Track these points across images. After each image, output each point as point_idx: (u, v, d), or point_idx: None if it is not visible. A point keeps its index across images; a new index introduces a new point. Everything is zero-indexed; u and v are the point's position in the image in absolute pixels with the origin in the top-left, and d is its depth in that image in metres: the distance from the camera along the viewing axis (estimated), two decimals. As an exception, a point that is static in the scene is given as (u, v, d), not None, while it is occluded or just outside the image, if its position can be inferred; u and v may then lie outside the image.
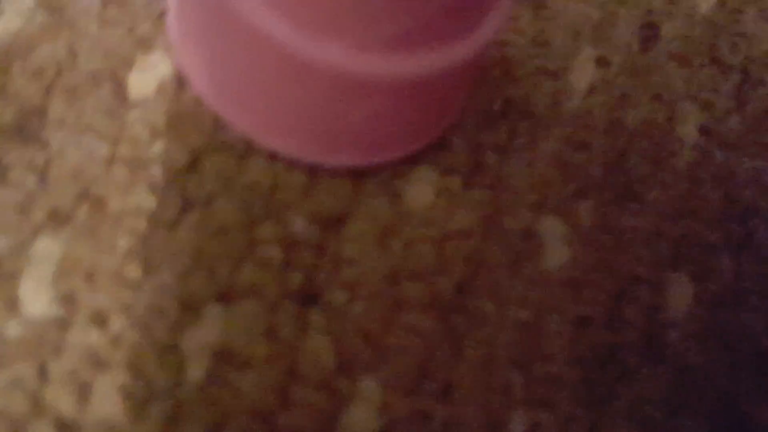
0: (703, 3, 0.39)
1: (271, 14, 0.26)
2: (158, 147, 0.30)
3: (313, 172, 0.31)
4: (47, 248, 0.28)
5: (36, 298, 0.27)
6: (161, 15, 0.33)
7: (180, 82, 0.31)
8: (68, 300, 0.27)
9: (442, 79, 0.28)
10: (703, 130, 0.36)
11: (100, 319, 0.27)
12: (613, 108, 0.35)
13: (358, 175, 0.31)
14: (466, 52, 0.28)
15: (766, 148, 0.36)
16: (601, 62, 0.36)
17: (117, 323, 0.27)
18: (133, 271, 0.28)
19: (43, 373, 0.26)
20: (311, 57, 0.26)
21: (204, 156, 0.30)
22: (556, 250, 0.32)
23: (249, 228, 0.29)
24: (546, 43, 0.36)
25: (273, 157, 0.31)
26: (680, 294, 0.33)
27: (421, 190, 0.32)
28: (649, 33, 0.37)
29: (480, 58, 0.29)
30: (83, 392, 0.26)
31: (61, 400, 0.26)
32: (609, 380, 0.30)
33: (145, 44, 0.32)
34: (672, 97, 0.36)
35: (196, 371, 0.27)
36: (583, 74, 0.36)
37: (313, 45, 0.26)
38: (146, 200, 0.29)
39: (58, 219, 0.28)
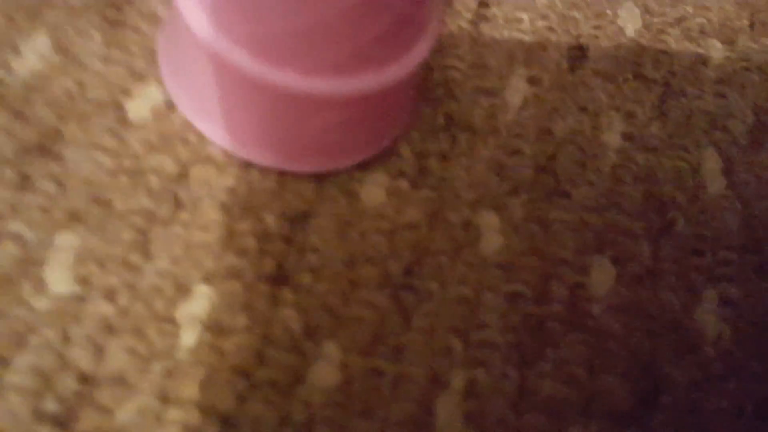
0: (629, 26, 0.50)
1: (235, 48, 0.37)
2: (154, 159, 0.41)
3: (282, 177, 0.41)
4: (67, 240, 0.38)
5: (59, 279, 0.38)
6: (153, 53, 0.44)
7: (170, 106, 0.42)
8: (84, 280, 0.38)
9: (382, 95, 0.39)
10: (626, 137, 0.46)
11: (110, 296, 0.38)
12: (544, 119, 0.46)
13: (320, 178, 0.42)
14: (400, 73, 0.39)
15: (686, 150, 0.46)
16: (533, 81, 0.47)
17: (124, 298, 0.38)
18: (136, 258, 0.39)
19: (66, 337, 0.37)
20: (270, 81, 0.37)
21: (191, 166, 0.41)
22: (492, 239, 0.42)
23: (229, 224, 0.40)
24: (484, 66, 0.46)
25: (247, 166, 0.41)
26: (603, 274, 0.42)
27: (375, 190, 0.42)
28: (578, 54, 0.48)
29: (414, 77, 0.40)
30: (98, 352, 0.37)
31: (81, 357, 0.36)
32: (537, 345, 0.40)
33: (140, 77, 0.43)
34: (597, 109, 0.47)
35: (188, 337, 0.37)
36: (516, 91, 0.46)
37: (270, 71, 0.37)
38: (145, 202, 0.40)
39: (74, 218, 0.39)
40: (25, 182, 0.39)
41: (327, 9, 0.34)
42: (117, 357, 0.36)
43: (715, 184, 0.45)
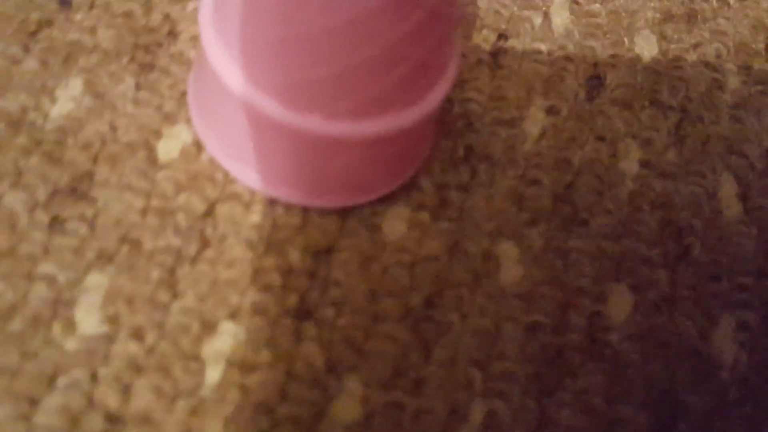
0: (645, 53, 0.48)
1: (264, 98, 0.36)
2: (182, 198, 0.41)
3: (306, 213, 0.41)
4: (96, 281, 0.38)
5: (88, 320, 0.37)
6: (183, 95, 0.43)
7: (198, 147, 0.42)
8: (113, 320, 0.37)
9: (401, 136, 0.39)
10: (643, 164, 0.45)
11: (138, 335, 0.37)
12: (562, 149, 0.45)
13: (342, 213, 0.41)
14: (420, 114, 0.38)
15: (702, 176, 0.45)
16: (551, 111, 0.46)
17: (151, 337, 0.37)
18: (164, 296, 0.38)
19: (94, 377, 0.36)
20: (297, 126, 0.37)
21: (218, 204, 0.41)
22: (511, 269, 0.41)
23: (254, 260, 0.39)
24: (502, 98, 0.46)
25: (272, 202, 0.41)
26: (621, 302, 0.41)
27: (396, 223, 0.42)
28: (595, 83, 0.47)
29: (433, 115, 0.39)
30: (125, 391, 0.36)
31: (108, 397, 0.36)
32: (556, 375, 0.39)
33: (170, 118, 0.43)
34: (615, 137, 0.46)
35: (213, 374, 0.37)
36: (535, 122, 0.45)
37: (297, 117, 0.37)
38: (173, 241, 0.39)
39: (104, 258, 0.39)
40: (56, 224, 0.38)
41: (351, 59, 0.34)
42: (143, 396, 0.36)
43: (732, 209, 0.44)
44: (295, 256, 0.39)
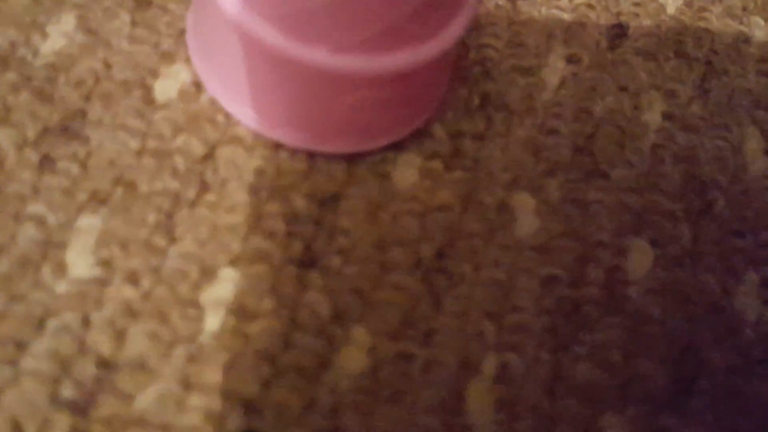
0: (670, 3, 0.46)
1: (266, 26, 0.34)
2: (180, 140, 0.38)
3: (312, 159, 0.39)
4: (89, 223, 0.36)
5: (80, 262, 0.35)
6: (181, 33, 0.41)
7: (198, 87, 0.40)
8: (106, 263, 0.35)
9: (414, 74, 0.36)
10: (667, 116, 0.43)
11: (133, 279, 0.35)
12: (583, 99, 0.43)
13: (351, 160, 0.39)
14: (434, 51, 0.36)
15: (727, 129, 0.43)
16: (572, 59, 0.44)
17: (147, 282, 0.35)
18: (160, 241, 0.36)
19: (86, 321, 0.34)
20: (301, 59, 0.35)
21: (218, 147, 0.39)
22: (527, 221, 0.40)
23: (257, 206, 0.37)
24: (521, 44, 0.44)
25: (277, 147, 0.39)
26: (641, 257, 0.40)
27: (407, 172, 0.40)
28: (618, 32, 0.45)
29: (449, 55, 0.37)
30: (119, 337, 0.34)
31: (101, 342, 0.34)
32: (572, 329, 0.37)
33: (168, 57, 0.41)
34: (638, 88, 0.44)
35: (212, 321, 0.35)
36: (554, 70, 0.43)
37: (301, 49, 0.35)
38: (170, 184, 0.37)
39: (97, 199, 0.37)
40: (47, 163, 0.36)
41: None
42: (138, 342, 0.34)
43: (757, 164, 0.42)
44: (299, 202, 0.37)
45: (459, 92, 0.41)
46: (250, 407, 0.33)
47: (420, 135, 0.40)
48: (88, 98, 0.39)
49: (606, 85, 0.43)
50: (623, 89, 0.43)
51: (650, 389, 0.36)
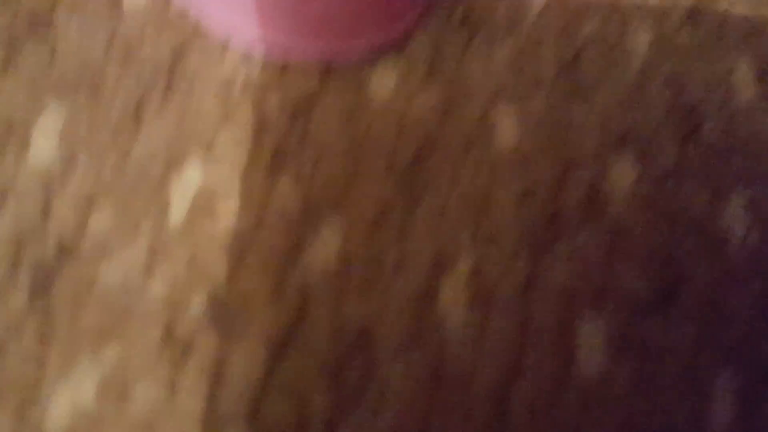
0: (658, -66, 0.46)
1: None
2: (147, 47, 0.38)
3: (284, 69, 0.38)
4: (56, 107, 0.35)
5: (45, 145, 0.34)
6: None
7: (169, -4, 0.39)
8: (72, 147, 0.34)
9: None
10: (654, 42, 0.42)
11: (98, 166, 0.34)
12: (568, 22, 0.42)
13: (325, 70, 0.38)
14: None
15: (718, 57, 0.42)
16: (556, -19, 0.43)
17: (112, 170, 0.34)
18: (125, 135, 0.35)
19: (47, 203, 0.33)
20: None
21: (185, 54, 0.38)
22: (506, 136, 0.38)
23: (225, 109, 0.36)
24: (506, -36, 0.43)
25: (247, 56, 0.38)
26: (623, 173, 0.38)
27: (383, 83, 0.39)
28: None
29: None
30: (81, 223, 0.33)
31: (62, 226, 0.33)
32: (550, 236, 0.36)
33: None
34: (625, 12, 0.43)
35: (177, 214, 0.34)
36: (538, -9, 0.43)
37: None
38: (136, 86, 0.36)
39: (65, 88, 0.36)
40: (14, 53, 0.35)
41: None
42: (100, 228, 0.33)
43: (748, 90, 0.41)
44: (270, 110, 0.36)
45: (440, 8, 0.40)
46: (213, 297, 0.32)
47: (398, 48, 0.39)
48: (53, 4, 0.38)
49: (591, 9, 0.42)
50: (610, 13, 0.42)
51: (629, 297, 0.35)
